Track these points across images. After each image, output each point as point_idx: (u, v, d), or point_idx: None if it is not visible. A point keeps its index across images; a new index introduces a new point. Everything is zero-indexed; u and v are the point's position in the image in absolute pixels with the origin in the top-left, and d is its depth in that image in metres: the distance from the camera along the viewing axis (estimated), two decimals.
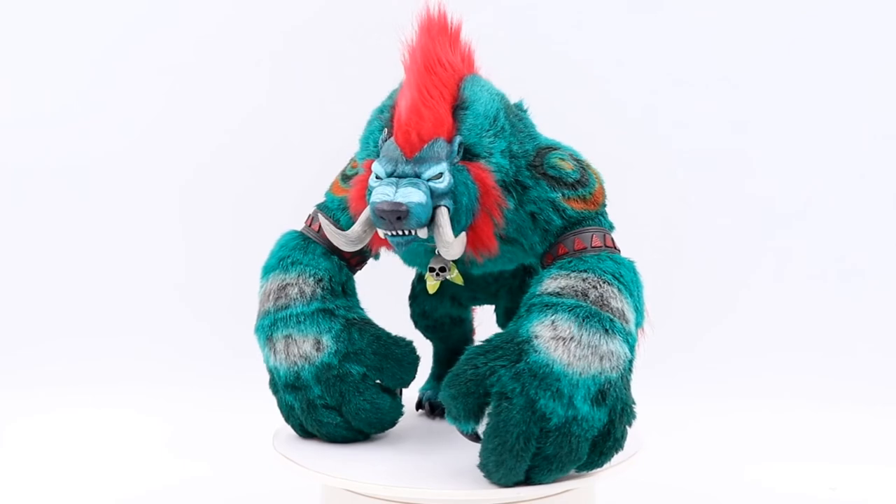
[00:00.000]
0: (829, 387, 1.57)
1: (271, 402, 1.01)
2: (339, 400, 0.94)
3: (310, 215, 1.01)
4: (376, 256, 1.00)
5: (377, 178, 0.83)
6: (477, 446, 0.84)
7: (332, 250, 0.98)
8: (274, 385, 0.99)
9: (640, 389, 1.04)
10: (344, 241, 0.86)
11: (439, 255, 0.87)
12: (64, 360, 1.66)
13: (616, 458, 0.87)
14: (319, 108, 1.74)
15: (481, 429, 0.83)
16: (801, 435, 1.42)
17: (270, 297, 0.96)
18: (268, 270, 0.98)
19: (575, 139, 0.96)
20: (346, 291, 0.98)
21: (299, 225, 1.02)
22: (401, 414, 0.99)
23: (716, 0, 1.76)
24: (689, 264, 1.72)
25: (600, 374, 0.81)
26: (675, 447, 1.33)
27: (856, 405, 1.52)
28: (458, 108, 0.85)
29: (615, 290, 0.85)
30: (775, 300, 1.71)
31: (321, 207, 1.00)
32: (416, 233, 0.82)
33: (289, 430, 1.01)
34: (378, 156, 0.85)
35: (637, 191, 1.66)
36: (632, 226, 1.05)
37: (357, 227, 0.85)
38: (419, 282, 1.10)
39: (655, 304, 1.00)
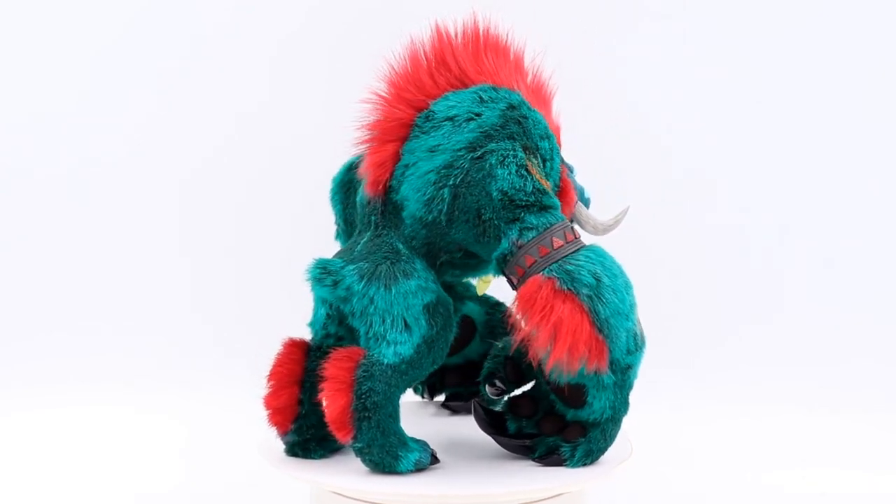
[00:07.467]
0: (821, 391, 1.58)
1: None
2: None
3: (562, 229, 0.91)
4: None
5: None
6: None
7: None
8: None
9: (632, 395, 1.05)
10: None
11: None
12: (58, 358, 1.65)
13: (609, 462, 0.91)
14: (322, 107, 1.74)
15: None
16: (790, 440, 1.43)
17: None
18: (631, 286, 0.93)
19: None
20: None
21: (301, 226, 0.95)
22: None
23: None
24: (684, 276, 1.73)
25: None
26: (664, 452, 1.34)
27: (848, 411, 1.52)
28: None
29: None
30: (769, 305, 1.73)
31: (560, 218, 0.93)
32: None
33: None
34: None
35: (639, 202, 1.66)
36: (638, 236, 1.07)
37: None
38: None
39: (653, 311, 1.01)
